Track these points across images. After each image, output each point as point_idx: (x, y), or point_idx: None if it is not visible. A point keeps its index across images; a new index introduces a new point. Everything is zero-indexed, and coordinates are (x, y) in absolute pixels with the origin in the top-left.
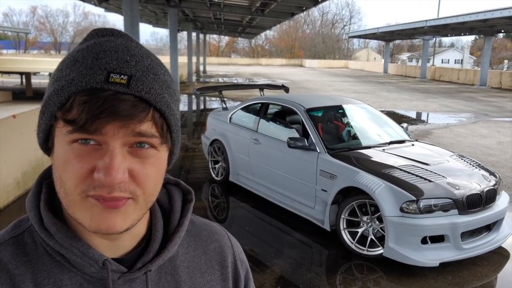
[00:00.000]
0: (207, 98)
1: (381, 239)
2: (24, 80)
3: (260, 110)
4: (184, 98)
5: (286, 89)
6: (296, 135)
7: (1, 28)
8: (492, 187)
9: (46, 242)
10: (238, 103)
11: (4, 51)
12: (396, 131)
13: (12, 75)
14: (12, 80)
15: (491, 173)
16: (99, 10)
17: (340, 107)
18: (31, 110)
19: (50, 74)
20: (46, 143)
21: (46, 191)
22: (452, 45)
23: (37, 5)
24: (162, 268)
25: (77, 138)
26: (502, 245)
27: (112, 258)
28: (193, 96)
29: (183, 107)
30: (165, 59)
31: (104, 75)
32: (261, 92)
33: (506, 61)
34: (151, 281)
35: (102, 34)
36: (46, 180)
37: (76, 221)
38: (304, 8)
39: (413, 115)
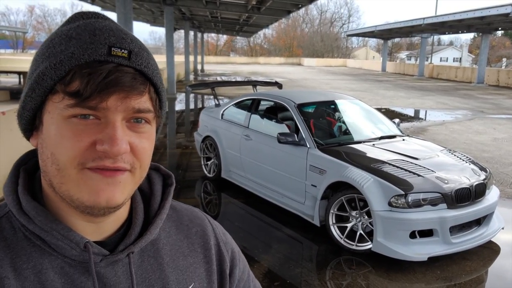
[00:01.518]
0: (205, 97)
1: (370, 234)
2: (22, 80)
3: (251, 106)
4: (181, 96)
5: (279, 85)
6: (287, 130)
7: None
8: (482, 182)
9: (25, 226)
10: None
11: (2, 51)
12: (388, 126)
13: (10, 75)
14: (10, 80)
15: (482, 168)
16: (96, 10)
17: (331, 103)
18: None
19: None
20: (31, 124)
21: (24, 176)
22: (450, 43)
23: (35, 4)
24: (144, 251)
25: (77, 113)
26: (492, 240)
27: (94, 241)
28: (191, 95)
29: (180, 105)
30: (163, 58)
31: (106, 49)
32: (254, 89)
33: (504, 59)
34: (134, 263)
35: (88, 16)
36: (23, 166)
37: (69, 198)
38: (300, 5)
39: (409, 112)
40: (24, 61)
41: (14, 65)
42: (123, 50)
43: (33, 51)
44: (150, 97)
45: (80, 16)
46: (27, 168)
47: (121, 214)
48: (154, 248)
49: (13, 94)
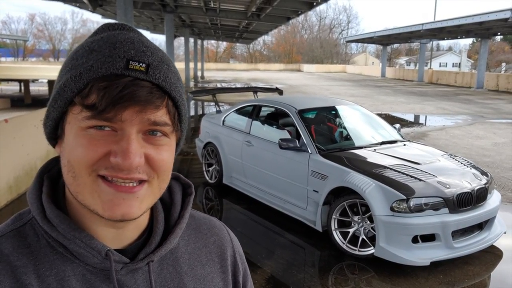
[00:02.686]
0: (205, 103)
1: (373, 239)
2: (23, 88)
3: (252, 112)
4: None
5: (279, 91)
6: (288, 136)
7: (0, 36)
8: (483, 186)
9: (48, 233)
10: None
11: (3, 59)
12: (388, 131)
13: (11, 83)
14: (11, 88)
15: (483, 172)
16: (97, 17)
17: (332, 108)
18: (23, 115)
19: (48, 81)
20: (55, 133)
21: (47, 184)
22: (450, 49)
23: (36, 12)
24: (163, 259)
25: (93, 125)
26: (494, 244)
27: (115, 249)
28: (191, 101)
29: None
30: None
31: (124, 62)
32: (255, 95)
33: (503, 64)
34: (153, 271)
35: (114, 27)
36: (47, 173)
37: (87, 208)
38: (299, 12)
39: (409, 117)
40: (25, 69)
41: (14, 73)
42: (141, 64)
43: (34, 59)
44: (167, 110)
45: (106, 28)
46: (51, 176)
47: (142, 222)
48: (173, 257)
49: (14, 102)
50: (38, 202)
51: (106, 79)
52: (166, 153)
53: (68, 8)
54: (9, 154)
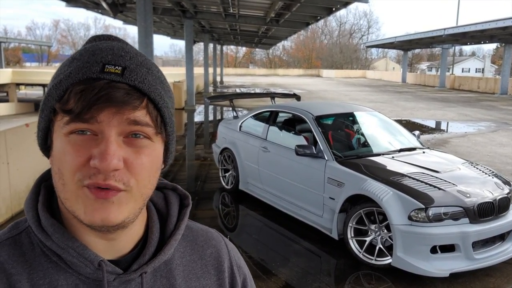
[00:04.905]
0: (224, 108)
1: (390, 248)
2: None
3: (269, 118)
4: (200, 108)
5: (297, 97)
6: (305, 142)
7: (25, 42)
8: (506, 196)
9: (43, 242)
10: None
11: (28, 64)
12: (407, 138)
13: (35, 87)
14: (35, 92)
15: (505, 181)
16: (119, 23)
17: (350, 115)
18: None
19: None
20: (46, 143)
21: (44, 193)
22: (473, 54)
23: (60, 19)
24: (157, 271)
25: (74, 129)
26: None
27: (109, 260)
28: (210, 106)
29: (199, 117)
30: (183, 70)
31: (100, 67)
32: (272, 101)
33: None
34: (146, 283)
35: (100, 38)
36: (44, 182)
37: (73, 214)
38: (318, 17)
39: (430, 124)
40: (49, 73)
41: (38, 77)
42: (116, 67)
43: (57, 64)
44: (148, 112)
45: (93, 39)
46: (48, 185)
47: (136, 233)
48: (167, 268)
49: (37, 106)
50: (34, 211)
51: (83, 83)
52: (146, 158)
53: (91, 14)
54: (29, 157)
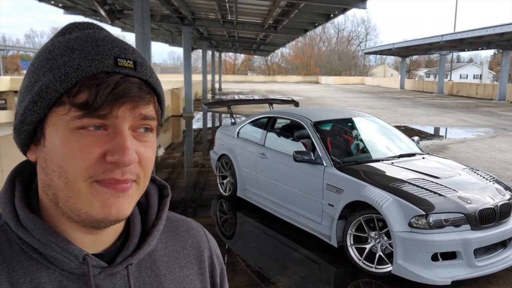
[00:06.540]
0: (222, 115)
1: (390, 256)
2: None
3: (267, 124)
4: (199, 115)
5: (295, 103)
6: (303, 148)
7: (23, 49)
8: (507, 202)
9: (22, 239)
10: None
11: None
12: (407, 144)
13: None
14: None
15: (506, 187)
16: (117, 30)
17: (349, 120)
18: None
19: None
20: (31, 138)
21: (20, 188)
22: (470, 60)
23: (58, 26)
24: (142, 262)
25: (86, 124)
26: None
27: (92, 254)
28: (209, 113)
29: (198, 124)
30: (181, 77)
31: (112, 60)
32: (270, 107)
33: None
34: (132, 275)
35: (83, 27)
36: (19, 177)
37: (75, 213)
38: (316, 24)
39: (429, 130)
40: None
41: None
42: (128, 61)
43: None
44: (154, 106)
45: (75, 27)
46: (22, 179)
47: (118, 226)
48: (151, 260)
49: None
50: (11, 206)
51: (97, 77)
52: (151, 151)
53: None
54: None
